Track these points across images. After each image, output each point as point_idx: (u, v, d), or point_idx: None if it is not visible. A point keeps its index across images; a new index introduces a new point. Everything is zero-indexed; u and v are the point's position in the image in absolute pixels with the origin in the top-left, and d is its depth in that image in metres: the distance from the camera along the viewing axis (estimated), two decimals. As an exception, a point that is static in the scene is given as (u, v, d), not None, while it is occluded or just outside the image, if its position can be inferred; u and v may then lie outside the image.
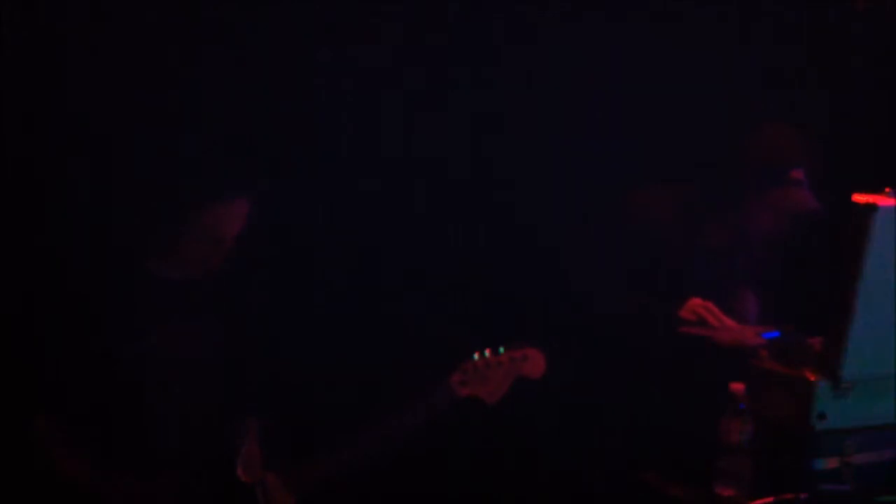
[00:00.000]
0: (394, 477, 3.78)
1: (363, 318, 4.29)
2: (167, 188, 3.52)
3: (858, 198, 2.86)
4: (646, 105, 4.39)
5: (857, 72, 4.31)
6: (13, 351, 3.36)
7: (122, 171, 4.21)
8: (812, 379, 2.86)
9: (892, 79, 4.26)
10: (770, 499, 2.83)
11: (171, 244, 3.39)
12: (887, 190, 2.88)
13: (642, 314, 3.56)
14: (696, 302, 3.52)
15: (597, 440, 3.67)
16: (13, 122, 4.25)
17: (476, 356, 3.53)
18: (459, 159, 4.58)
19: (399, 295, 4.33)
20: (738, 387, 2.96)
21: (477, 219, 4.56)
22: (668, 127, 4.31)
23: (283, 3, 4.62)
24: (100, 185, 4.22)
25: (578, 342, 3.65)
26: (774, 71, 4.38)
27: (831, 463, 2.88)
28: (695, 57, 4.45)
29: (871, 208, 2.81)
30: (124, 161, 4.30)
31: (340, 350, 4.23)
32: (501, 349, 3.53)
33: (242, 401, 3.36)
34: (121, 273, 3.43)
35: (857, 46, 4.38)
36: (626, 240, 3.70)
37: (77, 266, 3.56)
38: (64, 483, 3.17)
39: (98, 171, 4.29)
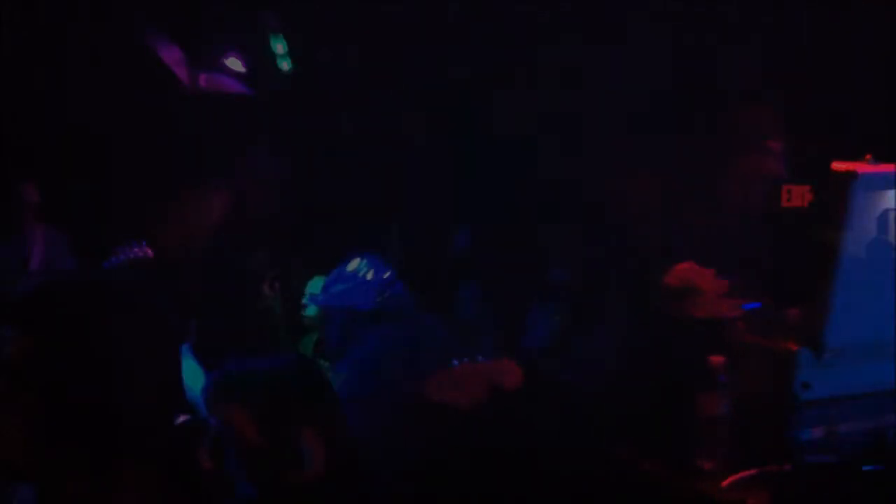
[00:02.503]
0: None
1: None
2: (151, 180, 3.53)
3: (838, 165, 2.82)
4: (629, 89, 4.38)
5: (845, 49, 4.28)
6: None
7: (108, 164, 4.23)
8: (794, 348, 2.81)
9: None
10: (754, 471, 2.78)
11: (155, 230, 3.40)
12: (867, 157, 2.85)
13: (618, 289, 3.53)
14: (683, 266, 3.46)
15: (578, 419, 3.62)
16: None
17: (455, 363, 3.47)
18: (449, 161, 4.58)
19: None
20: (718, 360, 2.91)
21: (464, 212, 4.55)
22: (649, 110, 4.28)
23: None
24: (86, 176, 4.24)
25: (557, 317, 3.62)
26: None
27: (816, 433, 2.83)
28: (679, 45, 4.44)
29: (851, 176, 2.77)
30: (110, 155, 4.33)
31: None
32: (480, 358, 3.48)
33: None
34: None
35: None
36: (607, 221, 3.67)
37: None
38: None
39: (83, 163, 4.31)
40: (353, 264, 3.56)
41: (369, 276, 3.51)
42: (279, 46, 5.32)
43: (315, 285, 3.98)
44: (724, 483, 2.83)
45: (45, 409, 1.71)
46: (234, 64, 5.76)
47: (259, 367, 2.36)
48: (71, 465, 1.75)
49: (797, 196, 3.13)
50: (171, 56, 5.39)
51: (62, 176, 4.83)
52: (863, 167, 2.81)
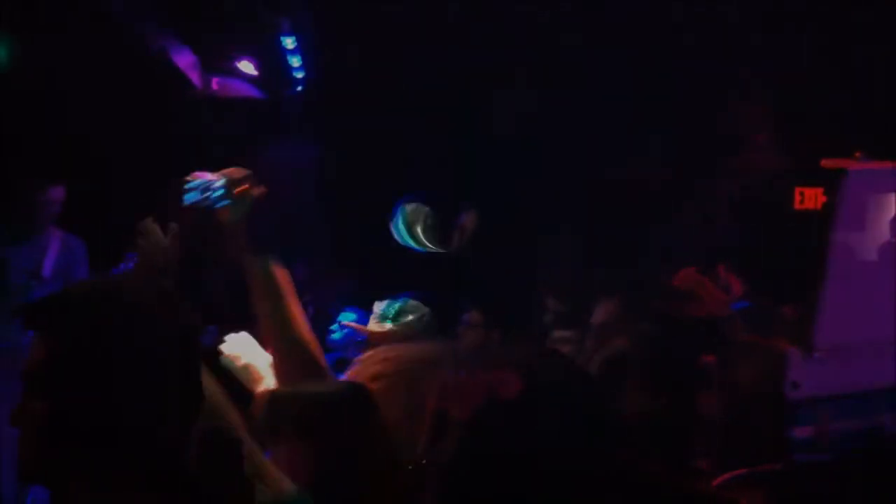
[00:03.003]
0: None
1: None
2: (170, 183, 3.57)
3: (828, 163, 2.82)
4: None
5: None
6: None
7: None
8: (785, 347, 2.80)
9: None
10: (744, 470, 2.76)
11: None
12: (857, 154, 2.84)
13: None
14: (689, 272, 3.45)
15: (570, 420, 3.61)
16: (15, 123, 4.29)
17: (453, 374, 3.47)
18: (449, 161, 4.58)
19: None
20: (710, 359, 2.89)
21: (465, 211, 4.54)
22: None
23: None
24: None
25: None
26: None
27: (807, 432, 2.81)
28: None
29: (841, 173, 2.77)
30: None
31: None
32: (479, 370, 3.48)
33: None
34: None
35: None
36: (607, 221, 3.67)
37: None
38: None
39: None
40: (405, 305, 3.74)
41: (422, 318, 3.71)
42: (290, 49, 5.32)
43: (348, 314, 4.23)
44: (717, 482, 2.81)
45: (57, 411, 1.72)
46: (246, 67, 5.76)
47: (312, 398, 2.36)
48: (76, 466, 1.75)
49: (810, 198, 3.12)
50: (184, 61, 5.40)
51: (79, 181, 4.84)
52: (853, 164, 2.80)
